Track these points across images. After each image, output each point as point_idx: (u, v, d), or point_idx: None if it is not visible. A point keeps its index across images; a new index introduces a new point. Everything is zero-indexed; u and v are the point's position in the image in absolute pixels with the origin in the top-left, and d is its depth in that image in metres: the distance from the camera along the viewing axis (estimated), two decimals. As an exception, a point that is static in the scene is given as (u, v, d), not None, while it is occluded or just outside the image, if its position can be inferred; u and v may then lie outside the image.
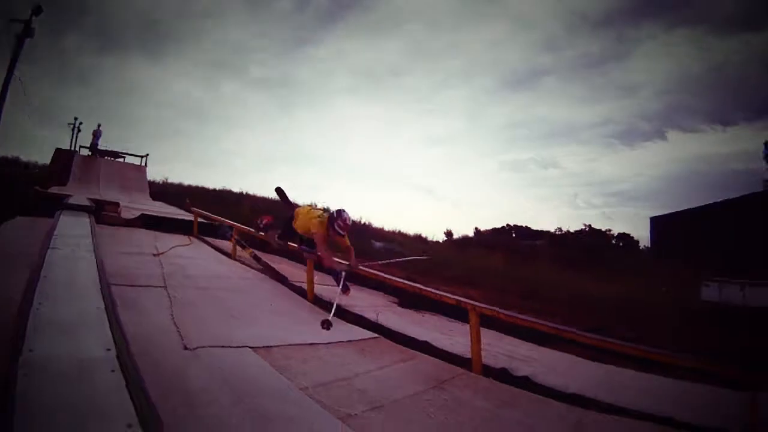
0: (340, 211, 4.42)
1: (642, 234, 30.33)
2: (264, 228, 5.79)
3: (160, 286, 4.01)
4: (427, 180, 65.93)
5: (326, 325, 3.71)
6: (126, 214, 7.85)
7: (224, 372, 2.48)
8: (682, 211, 26.01)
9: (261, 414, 2.09)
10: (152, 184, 16.24)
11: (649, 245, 28.52)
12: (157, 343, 2.73)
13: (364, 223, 14.47)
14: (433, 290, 3.83)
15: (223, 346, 2.81)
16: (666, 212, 27.73)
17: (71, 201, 7.30)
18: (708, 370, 3.04)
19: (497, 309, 3.49)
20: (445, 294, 3.66)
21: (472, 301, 3.50)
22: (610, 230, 34.96)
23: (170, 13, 58.93)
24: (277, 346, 3.01)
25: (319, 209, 5.02)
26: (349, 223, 4.49)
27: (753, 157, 28.80)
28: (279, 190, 5.43)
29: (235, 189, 19.34)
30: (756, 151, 29.15)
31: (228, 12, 60.56)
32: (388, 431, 2.22)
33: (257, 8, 62.26)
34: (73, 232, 4.80)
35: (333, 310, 3.96)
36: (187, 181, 18.28)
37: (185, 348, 2.73)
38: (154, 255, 5.27)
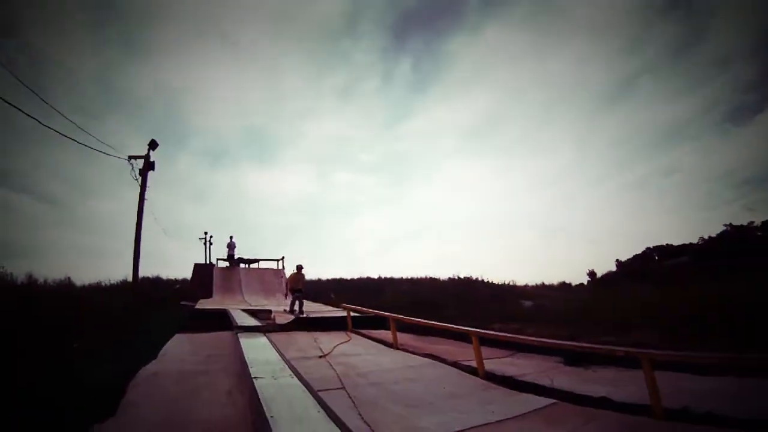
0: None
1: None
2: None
3: (339, 388, 4.50)
4: (552, 221, 62.54)
5: None
6: (277, 319, 8.80)
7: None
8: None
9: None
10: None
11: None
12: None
13: (509, 284, 14.23)
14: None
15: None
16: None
17: (236, 319, 8.25)
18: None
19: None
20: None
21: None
22: (752, 222, 29.56)
23: (266, 116, 66.38)
24: (462, 430, 3.33)
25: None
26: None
27: None
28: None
29: (374, 275, 20.20)
30: None
31: (321, 108, 65.80)
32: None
33: (348, 98, 66.91)
34: (260, 356, 5.34)
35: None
36: (317, 275, 19.64)
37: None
38: (320, 357, 5.85)
